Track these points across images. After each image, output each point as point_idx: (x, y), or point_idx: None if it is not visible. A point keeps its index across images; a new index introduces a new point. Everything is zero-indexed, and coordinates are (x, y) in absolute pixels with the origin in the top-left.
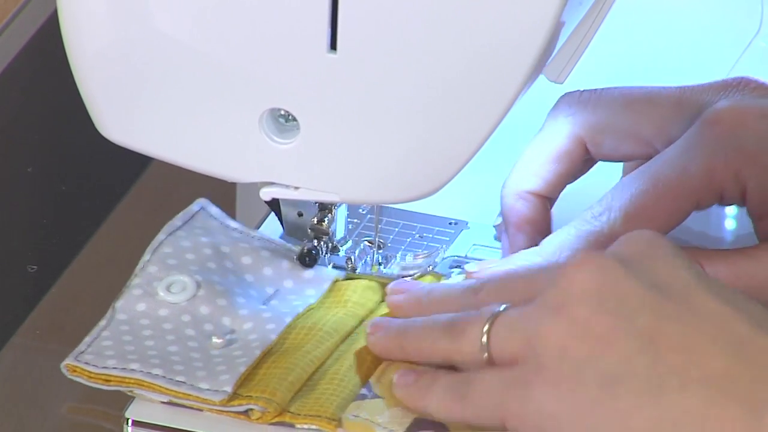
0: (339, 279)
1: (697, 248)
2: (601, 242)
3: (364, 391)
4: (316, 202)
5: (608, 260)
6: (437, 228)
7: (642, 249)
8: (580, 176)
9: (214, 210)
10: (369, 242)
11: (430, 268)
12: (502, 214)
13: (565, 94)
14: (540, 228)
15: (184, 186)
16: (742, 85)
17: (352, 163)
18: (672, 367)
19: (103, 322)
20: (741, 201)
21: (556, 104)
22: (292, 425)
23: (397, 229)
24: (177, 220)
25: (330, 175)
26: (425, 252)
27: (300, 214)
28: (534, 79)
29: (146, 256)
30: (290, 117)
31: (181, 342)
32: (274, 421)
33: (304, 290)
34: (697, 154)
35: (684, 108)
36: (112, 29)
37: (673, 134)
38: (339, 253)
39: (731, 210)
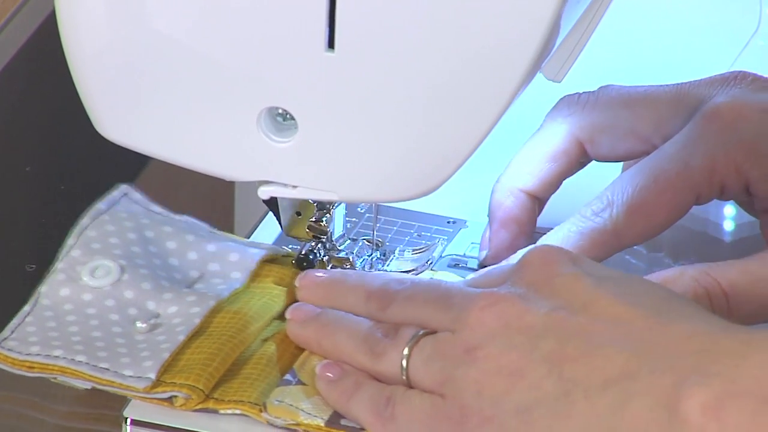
0: (266, 259)
1: (707, 263)
2: (604, 240)
3: (288, 376)
4: (314, 202)
5: (509, 298)
6: (435, 227)
7: (539, 273)
8: (572, 175)
9: (137, 195)
10: (367, 241)
11: (428, 263)
12: (489, 208)
13: (564, 96)
14: (524, 228)
15: (183, 185)
16: (739, 79)
17: (350, 162)
18: (575, 380)
19: (27, 308)
20: (741, 195)
21: (555, 106)
22: (216, 411)
23: (395, 228)
24: (102, 204)
25: (328, 174)
26: (423, 246)
27: (298, 214)
28: (531, 78)
29: (70, 240)
30: (288, 116)
31: (105, 327)
32: (197, 407)
33: (230, 273)
34: (697, 149)
35: (682, 104)
36: (110, 29)
37: (672, 131)
38: (339, 252)
39: (730, 211)
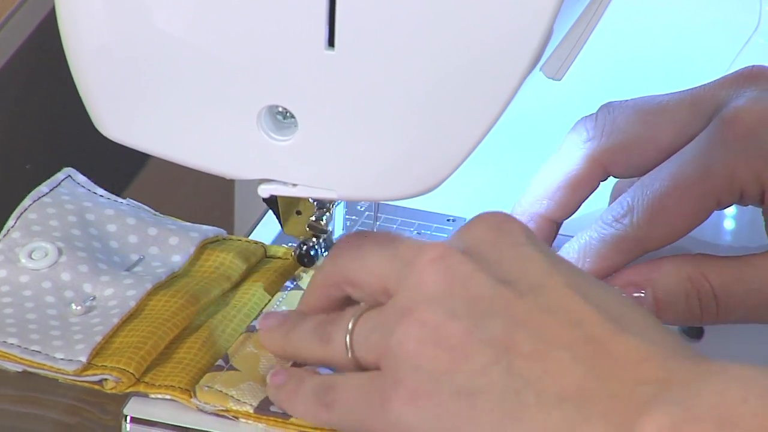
0: (207, 241)
1: (705, 255)
2: (627, 247)
3: (221, 362)
4: (314, 200)
5: (456, 255)
6: (435, 225)
7: (490, 236)
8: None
9: (81, 178)
10: None
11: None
12: None
13: (582, 119)
14: None
15: (183, 183)
16: (754, 76)
17: (350, 160)
18: (528, 381)
19: None
20: (760, 201)
21: (573, 127)
22: (146, 395)
23: (395, 226)
24: (44, 186)
25: (328, 172)
26: None
27: (298, 213)
28: (529, 75)
29: (10, 222)
30: (288, 114)
31: (40, 310)
32: (127, 390)
33: (170, 257)
34: (717, 155)
35: (699, 108)
36: (110, 27)
37: (693, 136)
38: None
39: (730, 210)
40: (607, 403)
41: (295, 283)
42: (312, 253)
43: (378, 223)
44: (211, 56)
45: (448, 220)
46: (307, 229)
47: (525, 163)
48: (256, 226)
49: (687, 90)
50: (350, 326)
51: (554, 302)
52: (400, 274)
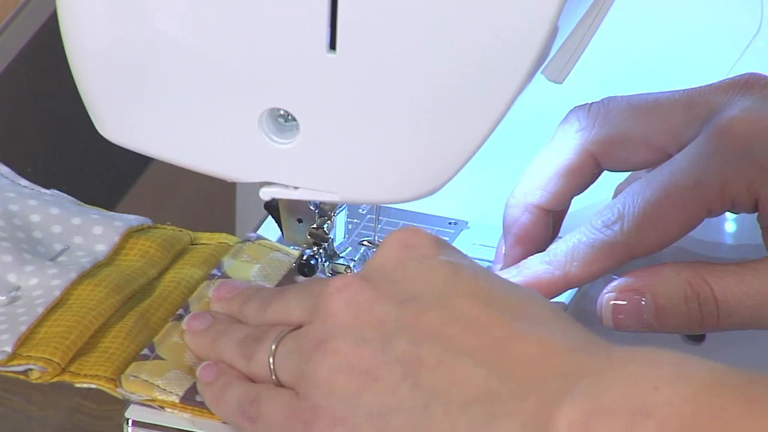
0: (132, 230)
1: (706, 262)
2: (615, 253)
3: (146, 351)
4: (315, 209)
5: (359, 284)
6: (437, 228)
7: (398, 254)
8: (586, 189)
9: (4, 169)
10: (369, 242)
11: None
12: (503, 222)
13: (574, 108)
14: (537, 243)
15: (184, 186)
16: (750, 84)
17: (352, 163)
18: (435, 392)
19: None
20: (752, 210)
21: (565, 117)
22: (72, 384)
23: (396, 229)
24: None
25: (330, 175)
26: None
27: (300, 221)
28: (532, 79)
29: None
30: (290, 117)
31: None
32: (53, 380)
33: (94, 246)
34: (710, 165)
35: (693, 111)
36: (112, 29)
37: (685, 138)
38: (338, 259)
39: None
40: (512, 403)
41: (222, 270)
42: (312, 262)
43: (380, 226)
44: (212, 59)
45: (450, 223)
46: (309, 237)
47: (526, 165)
48: (257, 229)
49: (682, 90)
50: (273, 347)
51: (457, 312)
52: (311, 308)
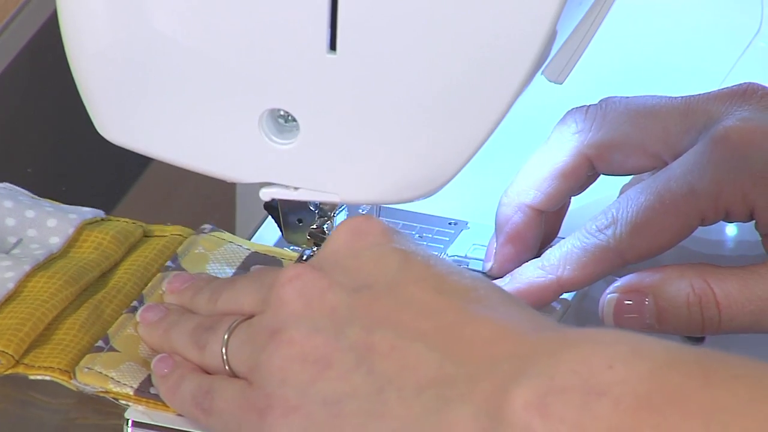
0: (86, 223)
1: (710, 265)
2: (607, 257)
3: (101, 343)
4: (315, 209)
5: (310, 273)
6: (437, 228)
7: (349, 242)
8: (583, 191)
9: None
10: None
11: None
12: (496, 221)
13: (571, 109)
14: (528, 243)
15: (184, 186)
16: (748, 94)
17: (352, 164)
18: (388, 378)
19: None
20: (747, 219)
21: (563, 118)
22: (25, 376)
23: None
24: None
25: (330, 176)
26: None
27: (299, 221)
28: (532, 79)
29: None
30: (290, 117)
31: None
32: (7, 372)
33: (48, 238)
34: (705, 174)
35: (690, 119)
36: (112, 29)
37: (680, 146)
38: None
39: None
40: (466, 386)
41: (176, 262)
42: None
43: None
44: (212, 59)
45: (450, 223)
46: (308, 237)
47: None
48: (257, 230)
49: (680, 97)
50: (226, 337)
51: (409, 298)
52: (263, 298)
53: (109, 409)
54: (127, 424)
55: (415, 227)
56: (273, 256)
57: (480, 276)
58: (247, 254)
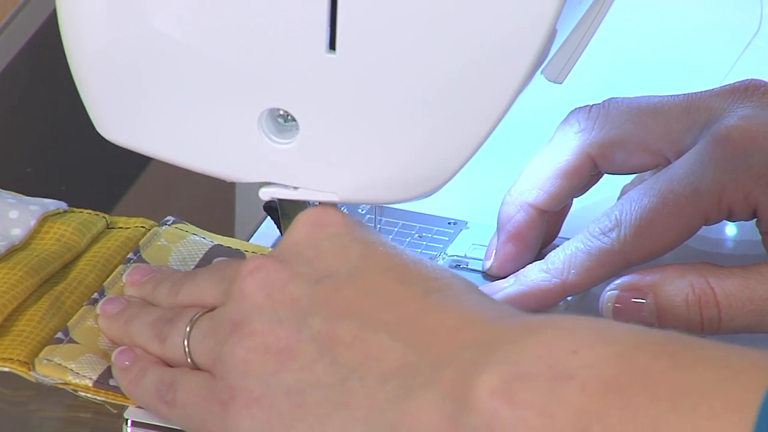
0: (48, 214)
1: (711, 264)
2: (612, 261)
3: (60, 334)
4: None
5: (272, 264)
6: (436, 228)
7: (309, 233)
8: (585, 191)
9: None
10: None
11: None
12: (498, 219)
13: (574, 109)
14: (531, 243)
15: (183, 186)
16: (750, 91)
17: (352, 163)
18: (352, 368)
19: None
20: (750, 218)
21: (566, 118)
22: None
23: (396, 229)
24: None
25: (329, 175)
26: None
27: None
28: (531, 78)
29: None
30: (289, 117)
31: None
32: None
33: (10, 230)
34: (707, 174)
35: (692, 116)
36: (111, 30)
37: (683, 144)
38: None
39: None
40: (431, 374)
41: (138, 254)
42: None
43: (379, 226)
44: (211, 59)
45: (449, 223)
46: None
47: (526, 166)
48: (257, 230)
49: (682, 95)
50: (188, 329)
51: (371, 287)
52: (225, 290)
53: (109, 408)
54: (127, 423)
55: (415, 227)
56: (237, 249)
57: (442, 265)
58: (210, 246)
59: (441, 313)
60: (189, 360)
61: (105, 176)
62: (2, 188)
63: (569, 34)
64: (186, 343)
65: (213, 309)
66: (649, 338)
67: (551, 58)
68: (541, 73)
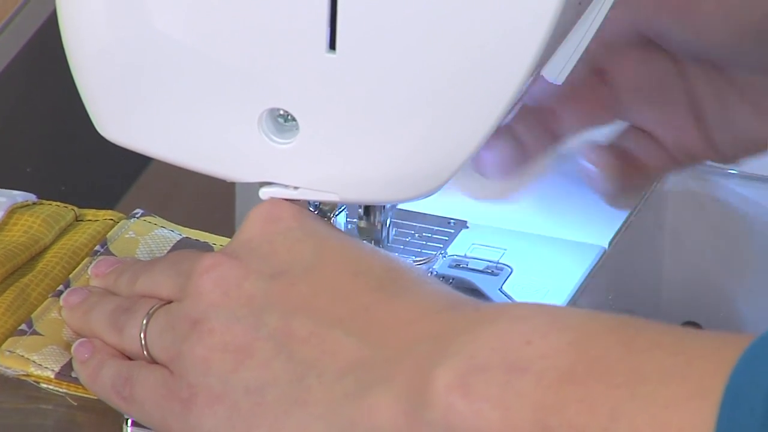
0: (16, 206)
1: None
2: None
3: (24, 326)
4: (315, 209)
5: (226, 262)
6: (436, 227)
7: (262, 228)
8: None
9: None
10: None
11: (430, 274)
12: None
13: None
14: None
15: (183, 186)
16: None
17: (352, 163)
18: (308, 364)
19: None
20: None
21: None
22: None
23: (395, 229)
24: None
25: (329, 175)
26: (425, 258)
27: None
28: (530, 80)
29: None
30: (289, 117)
31: None
32: None
33: None
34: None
35: None
36: (112, 29)
37: None
38: None
39: None
40: (387, 369)
41: (105, 247)
42: None
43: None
44: (212, 59)
45: (449, 222)
46: None
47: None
48: None
49: None
50: (144, 322)
51: (325, 282)
52: (181, 286)
53: (109, 407)
54: (127, 423)
55: (414, 226)
56: (205, 242)
57: (396, 257)
58: (178, 239)
59: (394, 306)
60: (145, 353)
61: (105, 176)
62: (2, 188)
63: (570, 33)
64: (143, 336)
65: (170, 302)
66: (603, 325)
67: (553, 57)
68: (542, 72)
